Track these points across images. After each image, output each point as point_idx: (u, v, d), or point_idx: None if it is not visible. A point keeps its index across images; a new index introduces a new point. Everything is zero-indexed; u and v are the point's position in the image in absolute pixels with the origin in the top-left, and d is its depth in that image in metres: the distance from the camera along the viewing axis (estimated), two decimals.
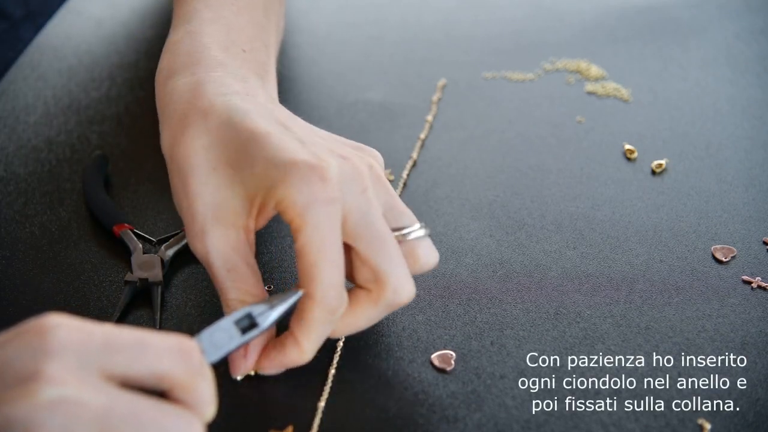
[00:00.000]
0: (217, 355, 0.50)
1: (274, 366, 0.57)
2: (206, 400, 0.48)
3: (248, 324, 0.52)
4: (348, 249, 0.55)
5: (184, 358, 0.47)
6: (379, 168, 0.58)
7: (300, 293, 0.54)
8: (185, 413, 0.46)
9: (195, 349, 0.48)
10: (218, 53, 0.62)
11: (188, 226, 0.56)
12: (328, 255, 0.53)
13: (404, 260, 0.56)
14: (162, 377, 0.46)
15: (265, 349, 0.57)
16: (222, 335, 0.51)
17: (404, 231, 0.57)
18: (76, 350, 0.45)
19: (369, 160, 0.57)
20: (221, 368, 0.59)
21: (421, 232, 0.57)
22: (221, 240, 0.55)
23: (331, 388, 0.59)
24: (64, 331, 0.45)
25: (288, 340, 0.56)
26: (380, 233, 0.55)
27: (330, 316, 0.54)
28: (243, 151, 0.55)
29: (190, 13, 0.65)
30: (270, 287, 0.65)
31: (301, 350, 0.55)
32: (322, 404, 0.58)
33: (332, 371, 0.60)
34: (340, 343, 0.61)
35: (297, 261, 0.54)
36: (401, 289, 0.55)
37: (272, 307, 0.53)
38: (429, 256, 0.58)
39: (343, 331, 0.57)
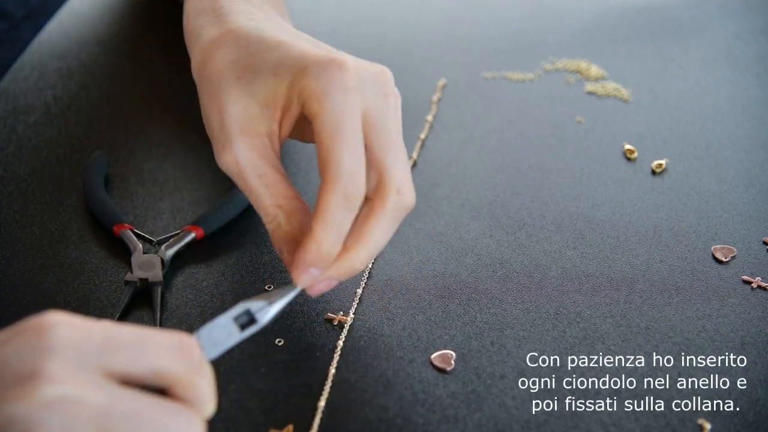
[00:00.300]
0: (215, 352, 0.50)
1: (302, 269, 0.54)
2: (206, 397, 0.47)
3: (247, 320, 0.52)
4: None
5: (183, 356, 0.47)
6: (386, 80, 0.58)
7: (298, 289, 0.54)
8: (185, 410, 0.46)
9: (194, 347, 0.48)
10: (227, 4, 0.63)
11: (216, 138, 0.57)
12: (344, 138, 0.53)
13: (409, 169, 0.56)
14: (162, 375, 0.46)
15: (295, 255, 0.55)
16: (221, 332, 0.51)
17: None
18: (75, 348, 0.45)
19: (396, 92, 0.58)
20: (222, 368, 0.59)
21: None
22: (248, 148, 0.56)
23: (331, 388, 0.59)
24: (64, 329, 0.45)
25: (306, 235, 0.54)
26: (395, 137, 0.56)
27: (346, 203, 0.53)
28: (267, 57, 0.57)
29: None
30: (270, 287, 0.65)
31: (317, 241, 0.53)
32: (322, 404, 0.58)
33: (332, 371, 0.60)
34: (340, 343, 0.61)
35: (317, 150, 0.54)
36: (405, 190, 0.55)
37: (271, 303, 0.53)
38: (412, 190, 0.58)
39: (361, 252, 0.55)
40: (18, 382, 0.43)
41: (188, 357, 0.47)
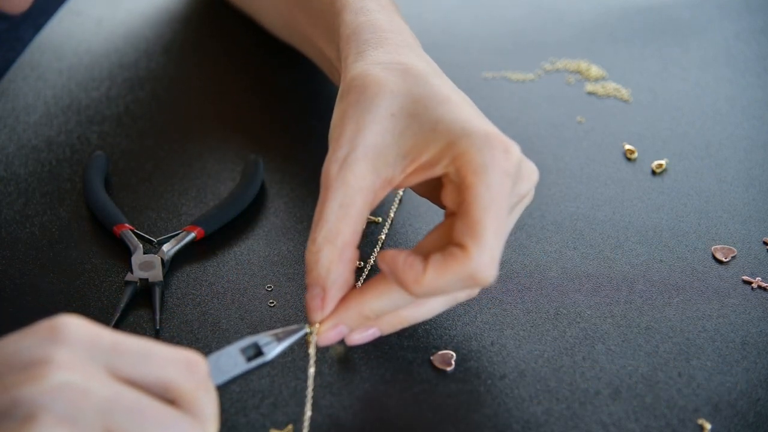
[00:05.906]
0: (221, 379, 0.51)
1: (401, 275, 0.53)
2: (209, 415, 0.48)
3: (254, 353, 0.53)
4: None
5: (190, 370, 0.47)
6: (533, 182, 0.58)
7: (305, 330, 0.55)
8: (188, 418, 0.47)
9: (201, 363, 0.48)
10: (401, 38, 0.62)
11: (334, 149, 0.55)
12: (494, 217, 0.52)
13: (500, 251, 0.54)
14: (167, 386, 0.47)
15: (390, 271, 0.54)
16: (227, 361, 0.52)
17: None
18: (85, 344, 0.46)
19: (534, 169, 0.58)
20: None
21: None
22: (356, 177, 0.54)
23: (331, 388, 0.59)
24: (76, 327, 0.46)
25: (419, 269, 0.53)
26: (502, 225, 0.53)
27: (469, 280, 0.53)
28: (432, 108, 0.55)
29: (358, 4, 0.65)
30: (270, 288, 0.65)
31: (420, 282, 0.52)
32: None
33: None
34: None
35: (458, 219, 0.53)
36: (481, 275, 0.52)
37: (278, 340, 0.54)
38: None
39: (421, 289, 0.53)
40: (27, 368, 0.44)
41: (194, 372, 0.48)
